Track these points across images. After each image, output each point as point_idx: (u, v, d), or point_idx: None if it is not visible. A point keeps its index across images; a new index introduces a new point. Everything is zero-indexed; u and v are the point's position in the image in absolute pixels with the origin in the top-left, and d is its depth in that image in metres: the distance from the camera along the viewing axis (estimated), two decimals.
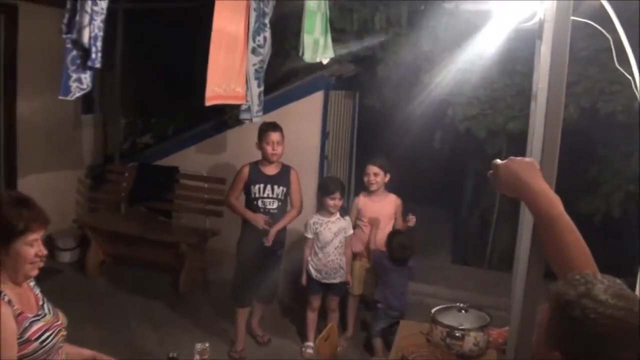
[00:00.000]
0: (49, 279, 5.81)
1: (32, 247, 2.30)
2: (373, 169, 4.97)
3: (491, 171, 1.74)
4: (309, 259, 4.86)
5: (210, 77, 3.50)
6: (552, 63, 1.76)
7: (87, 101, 7.02)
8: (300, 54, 4.10)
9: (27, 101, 5.98)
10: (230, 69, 3.69)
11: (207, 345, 2.59)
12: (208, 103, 3.57)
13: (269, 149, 4.66)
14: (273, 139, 4.65)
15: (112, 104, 7.24)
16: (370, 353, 4.93)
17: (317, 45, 4.16)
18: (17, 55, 5.85)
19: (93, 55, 3.29)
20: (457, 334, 3.42)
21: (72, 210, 6.96)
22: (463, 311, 3.69)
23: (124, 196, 6.73)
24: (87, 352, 2.69)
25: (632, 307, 1.28)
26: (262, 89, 4.19)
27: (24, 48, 5.81)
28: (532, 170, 1.66)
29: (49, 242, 6.25)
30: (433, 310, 3.65)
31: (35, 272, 2.36)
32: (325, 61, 4.42)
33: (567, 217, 1.59)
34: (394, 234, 4.84)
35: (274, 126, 4.69)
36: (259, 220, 4.65)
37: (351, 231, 4.89)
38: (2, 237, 2.25)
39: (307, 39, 4.05)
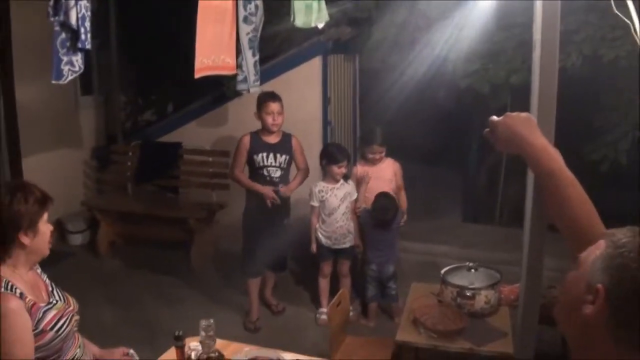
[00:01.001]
0: (61, 262, 5.87)
1: (47, 225, 2.35)
2: (379, 149, 4.93)
3: (487, 129, 1.70)
4: (317, 226, 4.85)
5: (198, 49, 3.45)
6: (545, 12, 1.70)
7: (85, 82, 6.99)
8: (292, 19, 4.01)
9: (25, 87, 5.91)
10: (219, 39, 3.63)
11: (211, 321, 2.59)
12: (197, 75, 3.53)
13: (269, 120, 4.59)
14: (273, 109, 4.58)
15: (111, 83, 7.20)
16: (367, 318, 4.94)
17: (311, 10, 4.06)
18: (12, 42, 5.76)
19: (82, 37, 3.26)
20: (467, 294, 3.43)
21: (80, 193, 6.99)
22: (473, 270, 3.69)
23: (130, 175, 6.74)
24: (95, 349, 2.67)
25: None
26: (257, 58, 4.12)
27: (19, 34, 5.74)
28: (529, 125, 1.62)
29: (58, 225, 6.29)
30: (443, 271, 3.66)
31: (48, 251, 2.39)
32: (320, 26, 4.32)
33: (567, 171, 1.55)
34: (379, 195, 4.79)
35: (273, 96, 4.61)
36: (268, 194, 4.59)
37: (356, 195, 4.87)
38: (31, 220, 2.26)
39: (297, 4, 3.94)
